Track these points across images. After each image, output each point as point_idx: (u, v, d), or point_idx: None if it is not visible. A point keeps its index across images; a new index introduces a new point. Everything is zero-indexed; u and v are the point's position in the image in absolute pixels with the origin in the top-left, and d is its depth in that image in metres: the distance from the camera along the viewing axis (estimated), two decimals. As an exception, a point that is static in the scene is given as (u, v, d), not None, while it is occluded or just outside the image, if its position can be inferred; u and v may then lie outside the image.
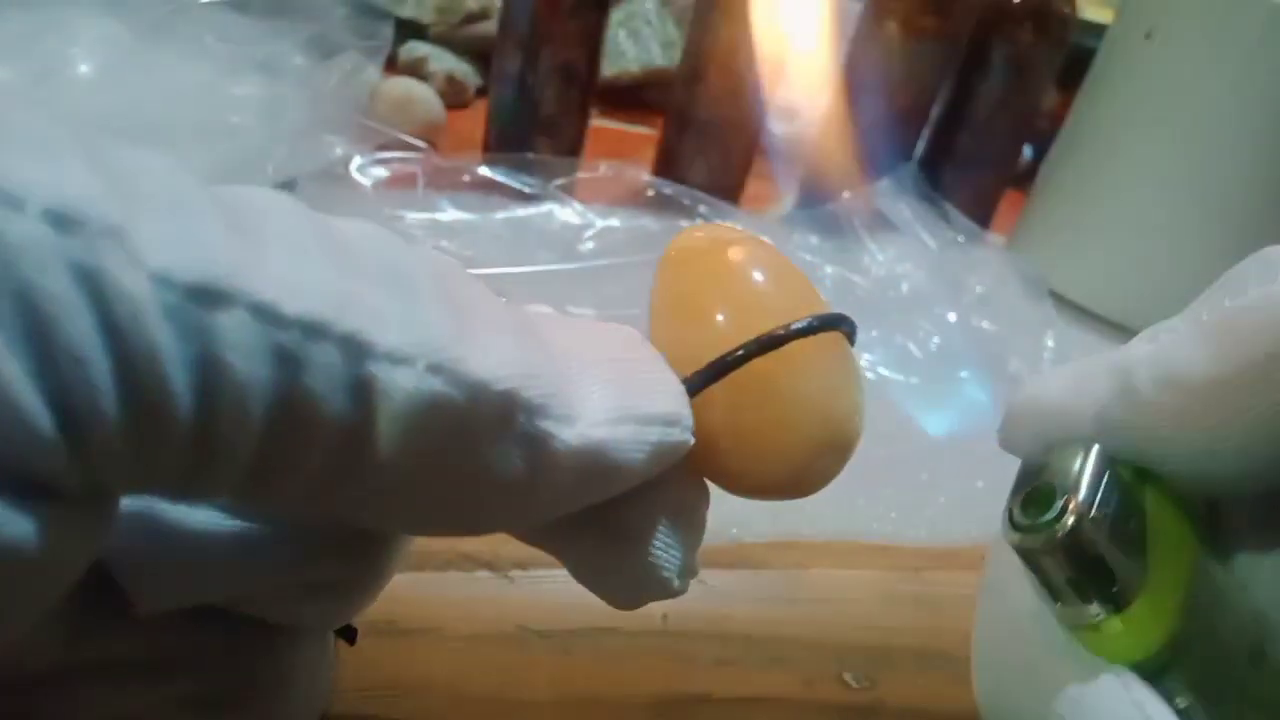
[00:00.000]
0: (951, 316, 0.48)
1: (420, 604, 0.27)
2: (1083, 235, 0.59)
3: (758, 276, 0.15)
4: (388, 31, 0.55)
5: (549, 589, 0.28)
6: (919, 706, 0.28)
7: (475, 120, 0.58)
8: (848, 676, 0.28)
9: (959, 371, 0.44)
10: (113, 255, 0.09)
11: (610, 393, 0.13)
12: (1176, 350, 0.14)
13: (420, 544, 0.28)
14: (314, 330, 0.10)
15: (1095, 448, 0.14)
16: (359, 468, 0.11)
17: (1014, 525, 0.14)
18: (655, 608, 0.28)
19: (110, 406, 0.10)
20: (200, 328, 0.10)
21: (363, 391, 0.11)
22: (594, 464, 0.13)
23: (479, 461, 0.12)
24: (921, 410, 0.38)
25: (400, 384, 0.11)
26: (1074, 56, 0.61)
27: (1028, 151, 0.71)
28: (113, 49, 0.45)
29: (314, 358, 0.10)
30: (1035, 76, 0.61)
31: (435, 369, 0.11)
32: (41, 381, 0.09)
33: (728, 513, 0.33)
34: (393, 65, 0.63)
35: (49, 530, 0.10)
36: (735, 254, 0.15)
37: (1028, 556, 0.14)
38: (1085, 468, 0.14)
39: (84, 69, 0.44)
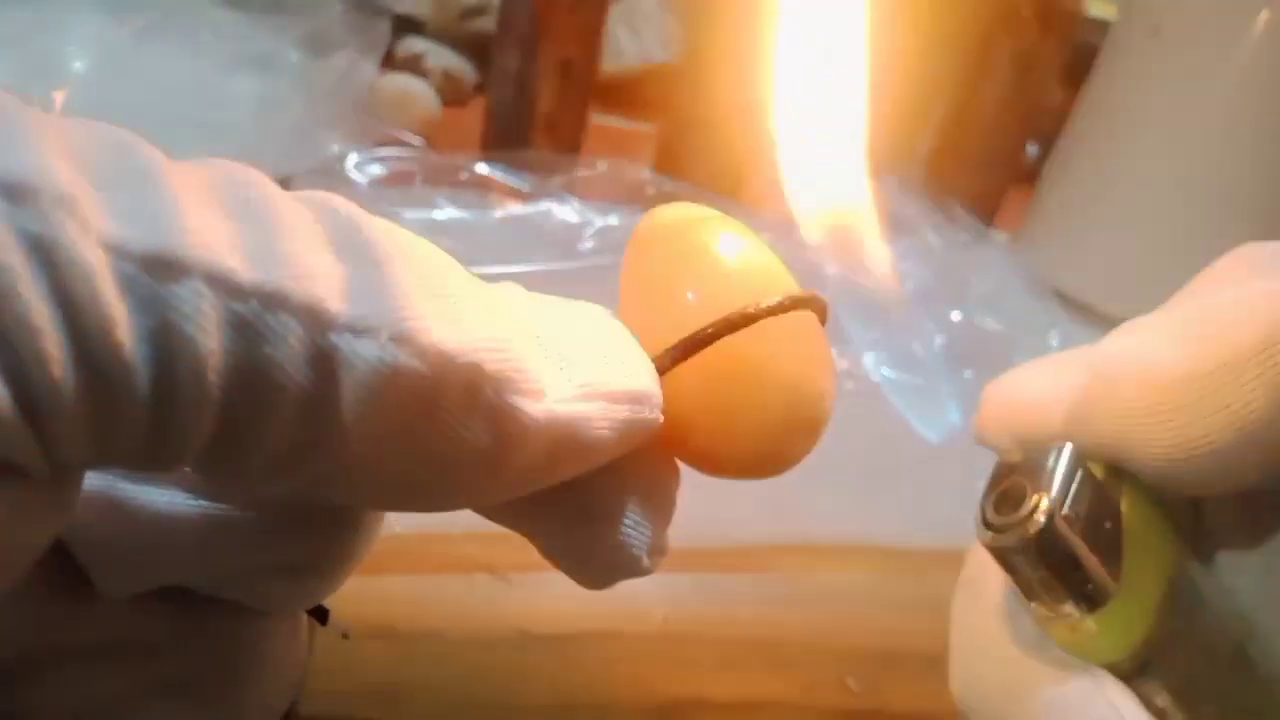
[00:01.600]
0: (955, 315, 0.48)
1: (419, 608, 0.27)
2: (1088, 233, 0.59)
3: (728, 254, 0.15)
4: (385, 27, 0.55)
5: (548, 592, 0.28)
6: (922, 711, 0.28)
7: (473, 117, 0.58)
8: (850, 680, 0.28)
9: (963, 371, 0.43)
10: (66, 225, 0.09)
11: (579, 369, 0.13)
12: (1152, 346, 0.14)
13: (419, 547, 0.28)
14: (273, 300, 0.10)
15: (1068, 446, 0.14)
16: (322, 441, 0.11)
17: (986, 524, 0.14)
18: (655, 610, 0.28)
19: (66, 378, 0.09)
20: (156, 298, 0.10)
21: (324, 363, 0.11)
22: (562, 440, 0.13)
23: (445, 434, 0.12)
24: (919, 416, 0.38)
25: (362, 355, 0.11)
26: (1079, 53, 0.61)
27: (1032, 149, 0.71)
28: (108, 46, 0.45)
29: (273, 328, 0.10)
30: (1040, 73, 0.61)
31: (398, 340, 0.11)
32: None
33: (729, 515, 0.32)
34: (389, 61, 0.63)
35: (7, 507, 0.10)
36: (705, 232, 0.15)
37: (1000, 555, 0.14)
38: (1058, 466, 0.14)
39: (78, 66, 0.44)
